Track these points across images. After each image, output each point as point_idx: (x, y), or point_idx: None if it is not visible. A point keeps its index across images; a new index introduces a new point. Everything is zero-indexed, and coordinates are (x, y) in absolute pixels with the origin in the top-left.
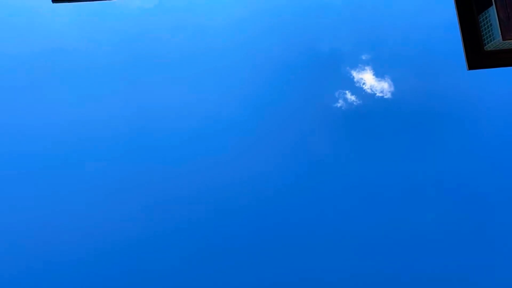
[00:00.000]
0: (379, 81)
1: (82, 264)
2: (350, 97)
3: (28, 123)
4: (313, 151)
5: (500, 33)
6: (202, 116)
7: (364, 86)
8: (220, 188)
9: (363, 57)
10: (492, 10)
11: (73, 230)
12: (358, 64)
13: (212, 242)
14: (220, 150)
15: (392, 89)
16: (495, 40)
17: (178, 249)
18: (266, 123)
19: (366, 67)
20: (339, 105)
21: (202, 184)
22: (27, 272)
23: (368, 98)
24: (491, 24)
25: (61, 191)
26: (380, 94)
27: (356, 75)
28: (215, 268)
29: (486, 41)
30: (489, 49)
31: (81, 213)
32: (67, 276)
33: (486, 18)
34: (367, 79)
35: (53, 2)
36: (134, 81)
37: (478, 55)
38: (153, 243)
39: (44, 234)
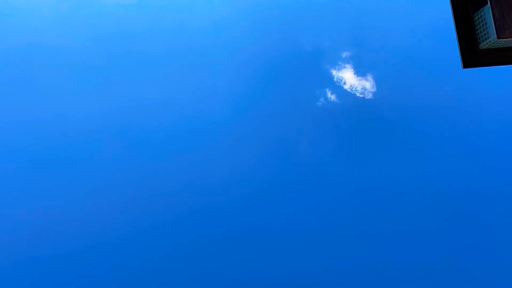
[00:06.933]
0: (361, 80)
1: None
2: (331, 96)
3: (5, 118)
4: (292, 148)
5: (495, 31)
6: (184, 114)
7: (344, 85)
8: (200, 185)
9: (343, 55)
10: (487, 9)
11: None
12: (338, 62)
13: (194, 236)
14: (200, 147)
15: (375, 88)
16: (490, 38)
17: (161, 243)
18: (245, 120)
19: (346, 65)
20: (319, 104)
21: (183, 180)
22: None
23: (357, 97)
24: (486, 23)
25: (40, 186)
26: (362, 94)
27: (337, 73)
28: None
29: (480, 40)
30: (484, 47)
31: (66, 207)
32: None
33: (481, 16)
34: (348, 77)
35: None
36: (113, 78)
37: (473, 54)
38: (135, 237)
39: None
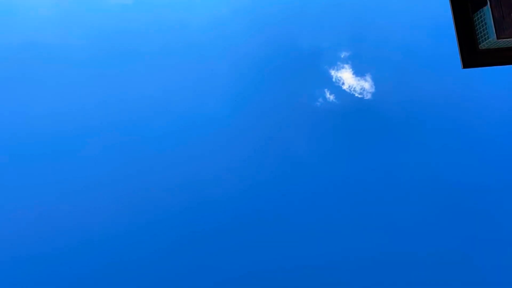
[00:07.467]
0: (359, 80)
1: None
2: (329, 96)
3: (5, 115)
4: (291, 148)
5: (494, 32)
6: (182, 113)
7: (343, 85)
8: (198, 182)
9: (342, 55)
10: (487, 9)
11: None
12: (337, 63)
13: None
14: (199, 146)
15: (374, 89)
16: (490, 38)
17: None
18: (245, 120)
19: (345, 65)
20: (318, 104)
21: (183, 176)
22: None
23: (355, 97)
24: (485, 23)
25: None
26: (360, 94)
27: (336, 73)
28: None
29: (480, 40)
30: (483, 47)
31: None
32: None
33: (480, 17)
34: (346, 78)
35: None
36: (111, 76)
37: (473, 54)
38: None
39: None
